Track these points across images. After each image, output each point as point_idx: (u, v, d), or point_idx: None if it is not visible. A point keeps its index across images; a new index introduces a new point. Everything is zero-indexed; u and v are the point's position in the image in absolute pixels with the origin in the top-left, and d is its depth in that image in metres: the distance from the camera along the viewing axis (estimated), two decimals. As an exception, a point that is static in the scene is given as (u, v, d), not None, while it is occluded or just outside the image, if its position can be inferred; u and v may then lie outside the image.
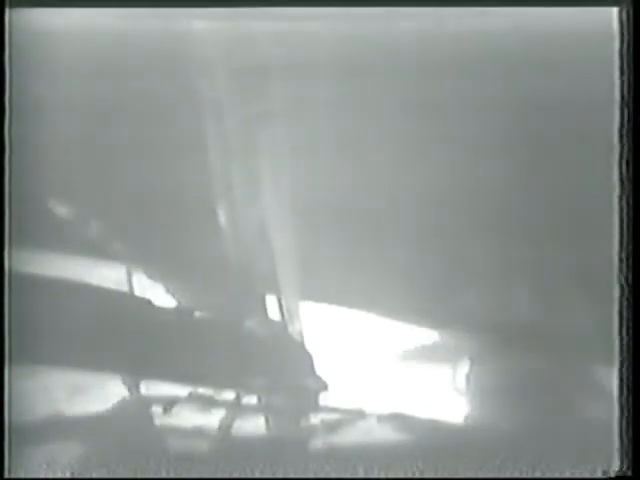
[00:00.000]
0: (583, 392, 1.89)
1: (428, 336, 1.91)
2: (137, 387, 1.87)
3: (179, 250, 1.89)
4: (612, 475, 1.82)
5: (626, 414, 1.80)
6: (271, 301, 1.91)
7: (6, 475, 1.80)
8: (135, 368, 1.87)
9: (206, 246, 1.89)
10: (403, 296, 1.90)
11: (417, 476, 1.84)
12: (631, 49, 1.80)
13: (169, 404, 1.87)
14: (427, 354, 1.91)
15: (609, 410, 1.81)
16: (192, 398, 1.88)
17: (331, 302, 1.91)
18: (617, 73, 1.82)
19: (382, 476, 1.85)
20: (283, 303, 1.91)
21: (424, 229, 1.89)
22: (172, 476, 1.84)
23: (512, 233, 1.89)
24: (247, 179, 1.90)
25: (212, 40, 1.88)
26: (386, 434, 1.88)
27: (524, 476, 1.85)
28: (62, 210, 1.88)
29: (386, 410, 1.88)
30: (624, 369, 1.80)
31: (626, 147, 1.81)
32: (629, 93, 1.80)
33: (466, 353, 1.91)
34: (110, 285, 1.89)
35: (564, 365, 1.89)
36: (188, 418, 1.88)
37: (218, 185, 1.89)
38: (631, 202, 1.81)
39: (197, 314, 1.90)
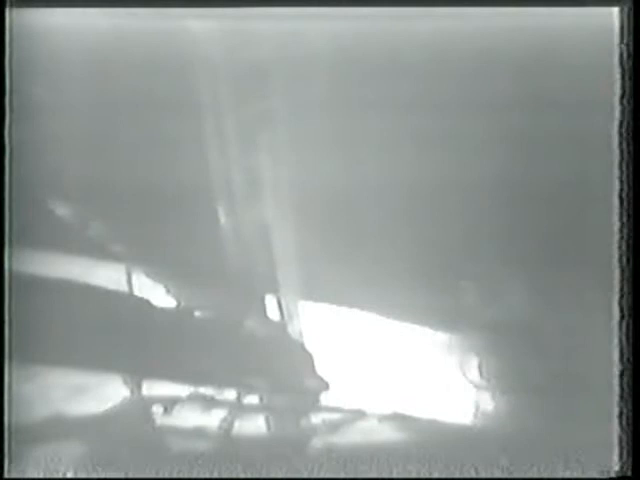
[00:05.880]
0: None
1: (429, 335, 1.92)
2: (137, 387, 1.87)
3: (179, 250, 1.89)
4: (612, 475, 1.83)
5: (626, 414, 1.80)
6: (271, 301, 1.91)
7: (6, 475, 1.80)
8: (135, 368, 1.87)
9: (206, 246, 1.89)
10: (404, 295, 1.90)
11: (417, 476, 1.85)
12: (631, 49, 1.80)
13: (170, 404, 1.87)
14: (428, 353, 1.91)
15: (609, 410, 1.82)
16: (193, 398, 1.88)
17: (331, 302, 1.91)
18: (618, 72, 1.82)
19: (382, 476, 1.85)
20: (283, 303, 1.91)
21: (425, 228, 1.89)
22: (172, 476, 1.84)
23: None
24: (247, 179, 1.90)
25: (211, 40, 1.88)
26: (386, 434, 1.88)
27: (524, 476, 1.85)
28: (62, 210, 1.88)
29: (387, 410, 1.88)
30: (624, 368, 1.80)
31: (626, 146, 1.81)
32: (629, 92, 1.81)
33: (467, 354, 1.91)
34: (110, 285, 1.89)
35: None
36: (189, 418, 1.88)
37: (218, 185, 1.89)
38: (631, 200, 1.81)
39: (197, 314, 1.90)
